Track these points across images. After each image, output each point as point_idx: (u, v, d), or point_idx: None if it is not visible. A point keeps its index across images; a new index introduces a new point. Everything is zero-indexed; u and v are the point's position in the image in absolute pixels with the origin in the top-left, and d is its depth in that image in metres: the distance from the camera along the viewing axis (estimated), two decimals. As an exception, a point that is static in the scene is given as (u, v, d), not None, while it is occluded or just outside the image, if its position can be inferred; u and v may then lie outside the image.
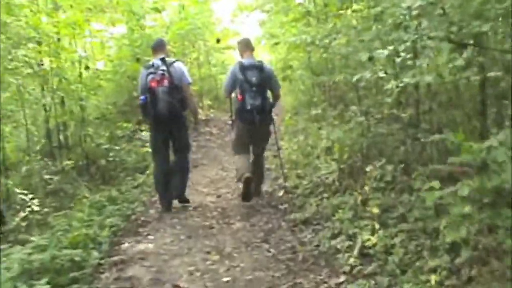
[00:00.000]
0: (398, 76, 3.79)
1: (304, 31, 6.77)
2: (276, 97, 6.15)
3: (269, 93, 5.98)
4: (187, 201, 6.09)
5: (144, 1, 11.11)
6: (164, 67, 5.61)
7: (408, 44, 3.70)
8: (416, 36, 3.75)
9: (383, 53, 3.79)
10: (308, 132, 8.76)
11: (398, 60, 3.73)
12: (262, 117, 5.74)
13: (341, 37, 5.54)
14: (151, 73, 5.62)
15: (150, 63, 5.83)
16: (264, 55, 16.02)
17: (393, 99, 5.24)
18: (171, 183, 5.87)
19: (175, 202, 5.98)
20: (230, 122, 6.33)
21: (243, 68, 5.74)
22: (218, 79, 14.31)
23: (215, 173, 7.92)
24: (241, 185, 5.89)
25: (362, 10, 5.50)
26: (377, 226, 4.21)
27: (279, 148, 6.71)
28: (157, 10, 11.24)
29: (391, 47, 3.73)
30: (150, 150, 6.53)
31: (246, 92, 5.68)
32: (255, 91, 5.68)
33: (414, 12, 3.92)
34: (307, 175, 6.44)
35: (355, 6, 6.46)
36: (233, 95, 6.01)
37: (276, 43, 9.53)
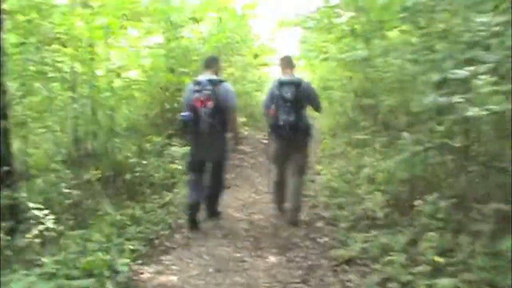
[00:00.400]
0: (479, 102, 3.21)
1: (355, 48, 6.25)
2: (318, 110, 6.06)
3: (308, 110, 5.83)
4: (218, 213, 5.99)
5: (182, 11, 10.80)
6: (210, 87, 5.42)
7: (490, 65, 3.14)
8: (498, 56, 3.20)
9: (458, 73, 3.23)
10: (348, 157, 8.22)
11: (478, 83, 3.16)
12: (295, 133, 5.63)
13: (396, 55, 5.04)
14: (196, 91, 5.45)
15: (198, 79, 5.62)
16: (302, 75, 15.63)
17: (446, 127, 4.75)
18: (204, 201, 5.77)
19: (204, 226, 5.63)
20: (265, 141, 6.09)
21: (280, 84, 5.72)
22: (253, 96, 13.96)
23: (248, 196, 7.36)
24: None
25: (423, 28, 4.92)
26: (434, 273, 3.66)
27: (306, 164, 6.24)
28: (196, 20, 10.92)
29: (471, 68, 3.17)
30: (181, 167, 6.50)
31: (280, 107, 5.64)
32: (289, 107, 5.61)
33: (494, 29, 3.39)
34: (348, 204, 5.95)
35: (405, 26, 5.95)
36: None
37: (325, 59, 9.15)
